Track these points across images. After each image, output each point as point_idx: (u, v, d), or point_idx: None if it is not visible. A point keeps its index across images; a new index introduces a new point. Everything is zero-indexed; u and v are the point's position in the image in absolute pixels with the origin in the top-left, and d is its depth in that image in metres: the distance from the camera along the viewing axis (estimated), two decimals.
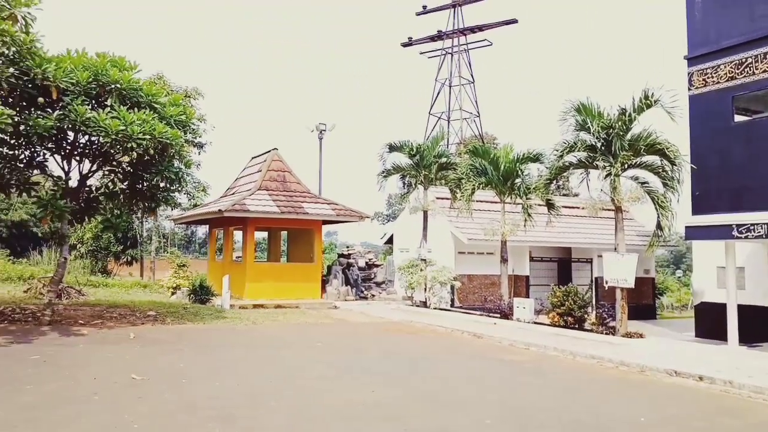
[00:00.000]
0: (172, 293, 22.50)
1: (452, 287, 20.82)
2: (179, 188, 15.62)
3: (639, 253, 15.73)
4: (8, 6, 10.69)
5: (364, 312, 19.69)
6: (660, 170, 14.27)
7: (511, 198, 18.03)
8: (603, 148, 14.11)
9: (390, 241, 28.64)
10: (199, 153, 29.68)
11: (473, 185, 17.92)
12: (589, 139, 14.37)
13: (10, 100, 11.88)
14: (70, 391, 7.74)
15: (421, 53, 51.75)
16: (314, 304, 21.08)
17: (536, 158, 17.35)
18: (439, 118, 49.29)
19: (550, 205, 17.20)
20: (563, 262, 25.05)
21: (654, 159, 14.42)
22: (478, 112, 48.96)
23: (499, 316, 17.31)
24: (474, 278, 22.78)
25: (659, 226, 14.48)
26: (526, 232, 18.13)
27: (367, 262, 27.24)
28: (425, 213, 20.58)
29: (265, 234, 30.39)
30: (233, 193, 24.21)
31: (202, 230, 53.76)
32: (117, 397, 7.56)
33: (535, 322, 16.17)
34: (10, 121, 10.78)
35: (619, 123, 13.72)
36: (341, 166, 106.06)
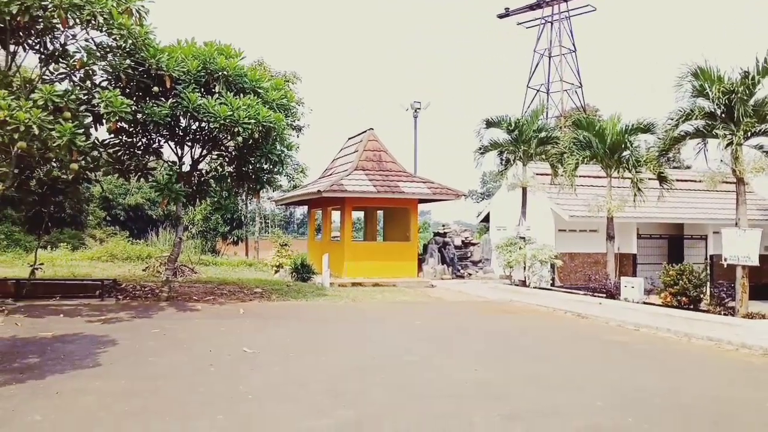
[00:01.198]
0: (276, 271, 23.44)
1: (553, 266, 20.21)
2: (281, 170, 16.12)
3: (762, 228, 14.49)
4: (124, 0, 11.35)
5: (461, 291, 19.56)
6: None
7: (618, 172, 17.11)
8: (723, 115, 13.04)
9: (486, 219, 28.20)
10: (298, 136, 30.44)
11: (577, 159, 17.16)
12: (707, 106, 13.33)
13: (128, 90, 12.65)
14: (188, 363, 8.24)
15: (519, 24, 50.18)
16: (411, 282, 21.20)
17: (647, 129, 16.29)
18: (538, 90, 47.76)
19: (662, 179, 16.17)
20: (674, 239, 23.60)
21: None
22: (580, 83, 46.96)
23: (604, 295, 16.60)
24: (576, 257, 21.97)
25: None
26: (635, 208, 17.18)
27: (463, 241, 26.99)
28: (524, 190, 20.02)
29: (361, 214, 30.87)
30: (330, 174, 24.72)
31: (299, 211, 55.63)
32: (231, 369, 7.96)
33: (645, 302, 15.36)
34: (129, 110, 11.51)
35: (742, 87, 12.58)
36: (435, 144, 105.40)
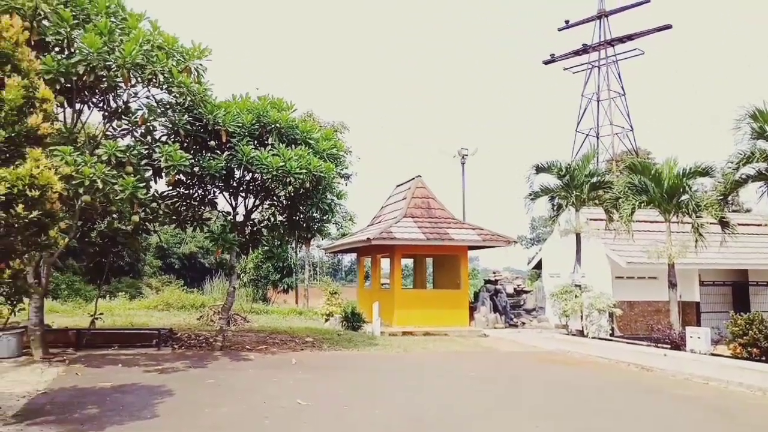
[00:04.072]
0: (326, 320, 23.36)
1: (611, 315, 19.43)
2: (331, 218, 16.26)
3: None
4: (183, 59, 11.90)
5: (515, 340, 19.00)
6: None
7: (677, 217, 16.52)
8: None
9: (538, 266, 27.56)
10: (347, 184, 30.68)
11: (633, 204, 16.67)
12: None
13: (186, 144, 13.14)
14: (243, 414, 8.17)
15: (565, 69, 50.05)
16: (462, 331, 20.75)
17: (705, 172, 15.75)
18: (587, 134, 47.24)
19: (724, 224, 15.52)
20: (738, 286, 22.45)
21: None
22: (631, 126, 46.21)
23: (668, 346, 15.76)
24: (635, 305, 21.13)
25: None
26: (697, 254, 16.47)
27: (515, 288, 26.39)
28: (578, 236, 19.53)
29: (410, 261, 30.67)
30: (379, 222, 24.79)
31: (347, 258, 55.77)
32: (285, 421, 7.86)
33: (713, 354, 14.52)
34: (187, 163, 11.93)
35: None
36: (483, 190, 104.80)
